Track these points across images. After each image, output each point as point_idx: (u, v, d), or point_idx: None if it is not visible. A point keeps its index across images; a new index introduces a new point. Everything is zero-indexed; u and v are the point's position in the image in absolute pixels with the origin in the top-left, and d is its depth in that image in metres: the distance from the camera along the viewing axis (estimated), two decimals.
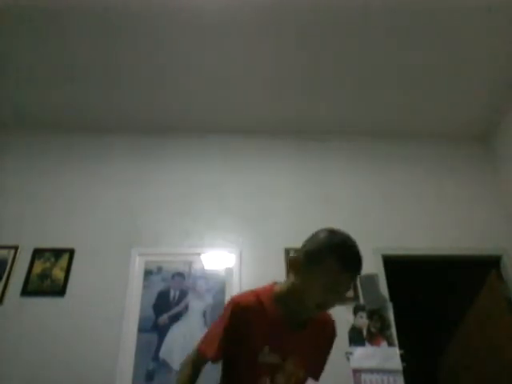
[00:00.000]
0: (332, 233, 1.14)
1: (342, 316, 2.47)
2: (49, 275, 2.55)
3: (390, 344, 2.38)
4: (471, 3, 2.30)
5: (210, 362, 1.16)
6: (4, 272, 2.54)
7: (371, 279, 2.59)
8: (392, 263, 2.74)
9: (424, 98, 2.93)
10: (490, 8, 2.29)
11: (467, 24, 2.42)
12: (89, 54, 2.57)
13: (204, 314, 2.46)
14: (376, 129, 3.21)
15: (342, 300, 2.36)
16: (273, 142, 3.18)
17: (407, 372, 2.32)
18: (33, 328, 2.39)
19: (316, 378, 1.31)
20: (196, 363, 1.19)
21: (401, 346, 2.39)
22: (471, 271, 3.02)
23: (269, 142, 3.17)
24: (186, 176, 2.99)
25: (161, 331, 2.40)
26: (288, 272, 1.30)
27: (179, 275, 2.58)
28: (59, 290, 2.51)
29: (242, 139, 3.17)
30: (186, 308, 2.48)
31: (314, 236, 1.16)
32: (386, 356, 2.34)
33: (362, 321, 2.45)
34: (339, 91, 2.87)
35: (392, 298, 2.55)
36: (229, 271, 2.60)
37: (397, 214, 2.90)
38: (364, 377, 2.29)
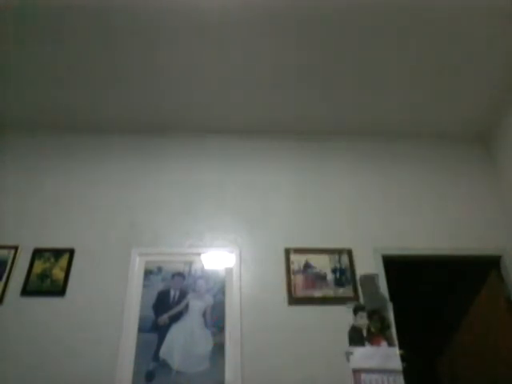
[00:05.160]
0: None
1: (342, 316, 2.47)
2: (49, 275, 2.55)
3: (390, 344, 2.38)
4: (471, 3, 2.30)
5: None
6: (4, 272, 2.54)
7: (371, 279, 2.60)
8: (392, 263, 2.75)
9: (424, 97, 2.93)
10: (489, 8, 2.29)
11: (467, 24, 2.42)
12: (88, 54, 2.58)
13: (204, 314, 2.46)
14: (376, 129, 3.22)
15: None
16: (273, 142, 3.18)
17: (407, 372, 2.31)
18: (33, 328, 2.39)
19: None
20: None
21: (401, 346, 2.39)
22: (471, 271, 3.02)
23: (269, 142, 3.18)
24: (185, 176, 2.99)
25: (161, 331, 2.40)
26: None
27: (179, 275, 2.58)
28: (59, 290, 2.51)
29: (241, 139, 3.18)
30: (186, 308, 2.48)
31: None
32: (386, 356, 2.34)
33: (362, 321, 2.45)
34: (339, 91, 2.87)
35: (392, 297, 2.55)
36: (229, 271, 2.60)
37: (397, 214, 2.90)
38: (364, 377, 2.29)
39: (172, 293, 2.52)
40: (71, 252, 2.64)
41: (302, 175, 3.04)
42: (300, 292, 2.55)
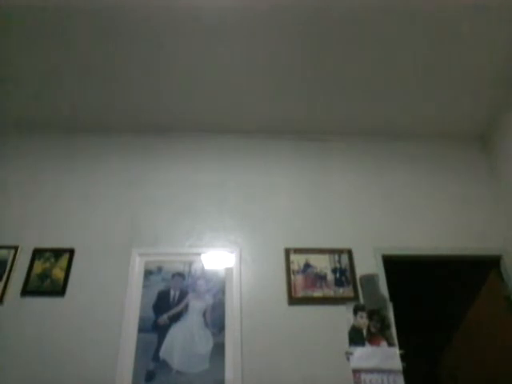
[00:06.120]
0: None
1: (342, 316, 2.47)
2: (49, 275, 2.55)
3: (390, 344, 2.38)
4: (471, 2, 2.30)
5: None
6: (4, 272, 2.54)
7: (371, 279, 2.60)
8: (392, 263, 2.75)
9: (424, 97, 2.93)
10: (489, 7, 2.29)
11: (467, 24, 2.42)
12: (88, 54, 2.58)
13: (204, 314, 2.46)
14: (376, 129, 3.22)
15: None
16: (273, 142, 3.18)
17: (407, 372, 2.32)
18: (33, 328, 2.39)
19: None
20: None
21: (401, 346, 2.39)
22: (471, 271, 3.02)
23: (269, 142, 3.18)
24: (185, 176, 2.99)
25: (161, 331, 2.40)
26: None
27: (179, 275, 2.58)
28: (59, 290, 2.51)
29: (241, 139, 3.18)
30: (186, 308, 2.48)
31: None
32: (386, 356, 2.34)
33: (362, 321, 2.45)
34: (339, 91, 2.87)
35: (392, 297, 2.55)
36: (229, 271, 2.60)
37: (397, 214, 2.90)
38: (364, 377, 2.29)
39: (172, 293, 2.52)
40: (71, 252, 2.64)
41: (302, 175, 3.04)
42: (300, 292, 2.55)
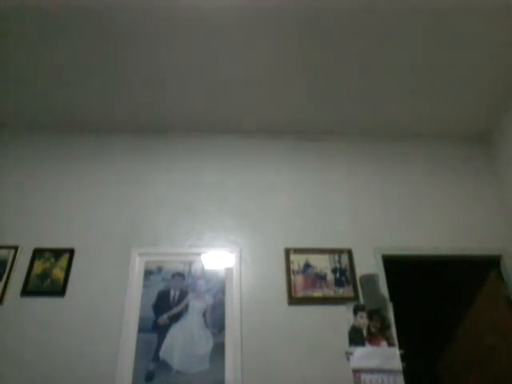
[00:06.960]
0: None
1: (342, 316, 2.47)
2: (49, 275, 2.55)
3: (390, 344, 2.38)
4: (471, 3, 2.30)
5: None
6: (4, 272, 2.54)
7: (371, 279, 2.60)
8: (392, 263, 2.75)
9: (424, 97, 2.93)
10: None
11: (467, 24, 2.42)
12: (88, 54, 2.58)
13: (204, 314, 2.46)
14: (376, 129, 3.22)
15: None
16: (273, 142, 3.18)
17: (407, 372, 2.32)
18: (33, 328, 2.39)
19: None
20: None
21: (401, 346, 2.39)
22: (471, 271, 3.02)
23: (269, 142, 3.18)
24: (185, 176, 2.99)
25: (161, 331, 2.40)
26: None
27: (179, 275, 2.58)
28: (59, 290, 2.51)
29: (241, 139, 3.18)
30: (186, 308, 2.48)
31: None
32: (386, 356, 2.34)
33: (362, 321, 2.45)
34: (339, 91, 2.87)
35: (392, 297, 2.55)
36: (229, 271, 2.60)
37: (397, 214, 2.90)
38: (364, 377, 2.29)
39: (172, 293, 2.52)
40: (71, 252, 2.64)
41: (302, 175, 3.04)
42: (300, 292, 2.55)
